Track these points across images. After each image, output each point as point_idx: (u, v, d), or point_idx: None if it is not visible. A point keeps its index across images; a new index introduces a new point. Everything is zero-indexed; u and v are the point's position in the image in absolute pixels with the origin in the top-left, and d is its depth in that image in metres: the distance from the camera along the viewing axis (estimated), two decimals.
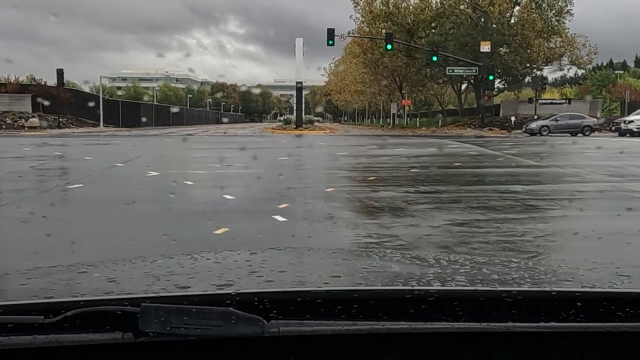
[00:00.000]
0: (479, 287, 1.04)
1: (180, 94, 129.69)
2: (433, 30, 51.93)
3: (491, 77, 44.77)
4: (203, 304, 0.89)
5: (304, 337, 0.89)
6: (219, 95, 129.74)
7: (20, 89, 43.75)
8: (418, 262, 1.47)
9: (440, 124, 53.26)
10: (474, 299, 0.94)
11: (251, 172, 12.50)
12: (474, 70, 45.81)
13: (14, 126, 39.48)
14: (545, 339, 0.91)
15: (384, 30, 54.00)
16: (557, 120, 36.69)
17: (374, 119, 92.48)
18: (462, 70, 46.78)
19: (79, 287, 1.20)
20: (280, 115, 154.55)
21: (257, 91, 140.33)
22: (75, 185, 9.95)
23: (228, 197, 8.64)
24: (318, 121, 77.93)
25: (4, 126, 39.11)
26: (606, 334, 0.91)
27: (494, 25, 47.89)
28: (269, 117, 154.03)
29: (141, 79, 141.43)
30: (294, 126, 45.80)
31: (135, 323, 0.88)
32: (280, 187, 10.04)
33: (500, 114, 50.22)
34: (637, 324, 0.91)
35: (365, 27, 57.84)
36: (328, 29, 41.80)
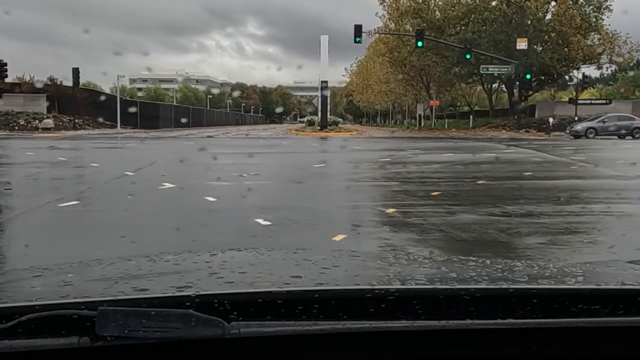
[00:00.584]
0: (438, 286, 1.05)
1: (200, 95, 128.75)
2: (464, 28, 49.50)
3: (528, 76, 42.17)
4: (162, 307, 0.88)
5: (265, 337, 0.89)
6: (238, 95, 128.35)
7: (35, 89, 42.10)
8: (378, 261, 1.48)
9: (471, 126, 50.76)
10: (433, 297, 0.95)
11: (286, 184, 10.35)
12: (509, 69, 43.25)
13: (27, 127, 37.79)
14: (502, 335, 0.92)
15: (410, 28, 51.82)
16: (604, 122, 34.03)
17: (398, 121, 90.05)
18: (496, 69, 44.20)
19: (33, 291, 1.15)
20: (301, 117, 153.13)
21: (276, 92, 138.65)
22: (68, 203, 7.86)
23: (262, 222, 6.51)
24: (340, 122, 75.64)
25: (16, 127, 37.41)
26: (561, 330, 0.93)
27: (528, 22, 45.27)
28: (288, 118, 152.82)
29: (161, 80, 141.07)
30: (318, 128, 43.65)
31: (92, 327, 0.86)
32: (328, 207, 7.87)
33: (536, 115, 47.62)
34: (589, 319, 0.93)
35: (391, 25, 55.63)
36: (355, 25, 39.69)
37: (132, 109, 43.83)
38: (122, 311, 0.86)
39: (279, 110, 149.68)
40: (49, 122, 38.29)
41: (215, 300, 0.91)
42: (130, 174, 11.73)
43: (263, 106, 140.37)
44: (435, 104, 58.95)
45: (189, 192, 9.34)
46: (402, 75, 60.01)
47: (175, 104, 66.51)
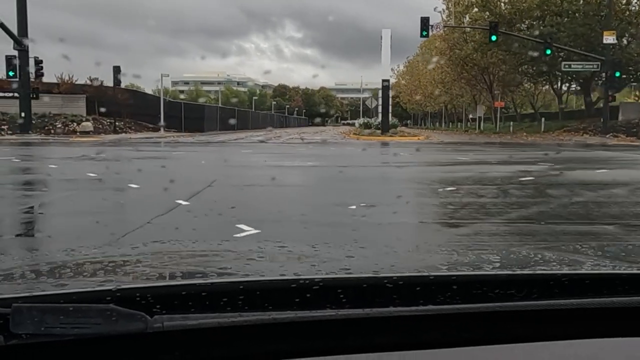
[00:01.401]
0: (362, 275, 1.07)
1: (243, 97, 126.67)
2: (536, 22, 44.81)
3: (618, 74, 37.25)
4: (81, 302, 0.85)
5: (189, 330, 0.87)
6: (281, 97, 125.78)
7: (74, 89, 39.17)
8: (303, 251, 1.46)
9: (543, 129, 45.89)
10: (357, 286, 0.97)
11: (449, 231, 6.35)
12: (594, 66, 38.39)
13: (65, 131, 34.73)
14: (424, 321, 0.94)
15: (467, 20, 47.51)
16: None
17: (451, 123, 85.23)
18: (580, 66, 39.34)
19: None
20: (342, 119, 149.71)
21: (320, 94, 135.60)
22: None
23: None
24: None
25: (52, 131, 34.37)
26: (479, 314, 0.95)
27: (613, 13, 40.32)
28: (329, 120, 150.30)
29: (203, 83, 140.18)
30: (378, 131, 39.58)
31: (6, 325, 0.82)
32: None
33: (619, 118, 42.57)
34: (505, 303, 0.96)
35: (451, 21, 51.28)
36: (422, 18, 35.71)
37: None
38: (39, 308, 0.82)
39: (322, 112, 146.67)
40: (88, 124, 35.20)
41: (138, 294, 0.88)
42: (184, 203, 7.93)
43: (305, 108, 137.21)
44: (500, 106, 54.15)
45: (287, 246, 5.41)
46: (462, 74, 55.48)
47: (220, 105, 63.13)
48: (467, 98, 67.62)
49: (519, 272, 1.13)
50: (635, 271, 1.20)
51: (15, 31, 31.36)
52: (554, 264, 1.31)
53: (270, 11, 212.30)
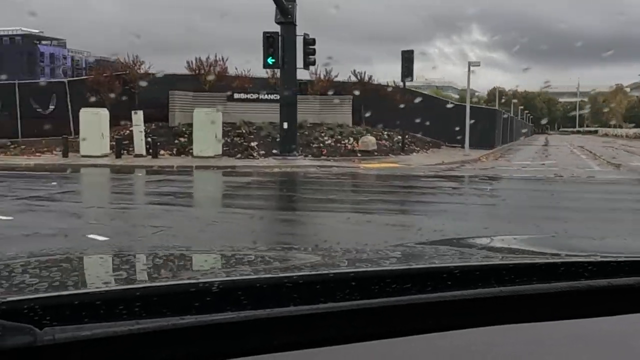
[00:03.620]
0: (261, 275, 1.08)
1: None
2: None
3: None
4: None
5: (83, 341, 0.83)
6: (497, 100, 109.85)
7: (332, 87, 27.73)
8: (203, 254, 1.47)
9: None
10: (258, 286, 0.97)
11: None
12: None
13: (339, 150, 23.15)
14: (324, 318, 0.95)
15: None
16: None
17: None
18: None
19: None
20: (560, 127, 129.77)
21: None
22: None
23: None
24: None
25: (324, 151, 22.87)
26: (377, 309, 0.97)
27: None
28: (549, 127, 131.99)
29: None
30: None
31: None
32: None
33: None
34: (401, 297, 0.98)
35: None
36: None
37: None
38: None
39: (546, 118, 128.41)
40: (371, 141, 23.28)
41: (25, 306, 0.83)
42: None
43: (528, 114, 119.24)
44: None
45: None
46: None
47: (502, 109, 49.33)
48: None
49: (414, 266, 1.13)
50: (519, 261, 1.22)
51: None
52: (447, 257, 1.36)
53: (456, 16, 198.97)
